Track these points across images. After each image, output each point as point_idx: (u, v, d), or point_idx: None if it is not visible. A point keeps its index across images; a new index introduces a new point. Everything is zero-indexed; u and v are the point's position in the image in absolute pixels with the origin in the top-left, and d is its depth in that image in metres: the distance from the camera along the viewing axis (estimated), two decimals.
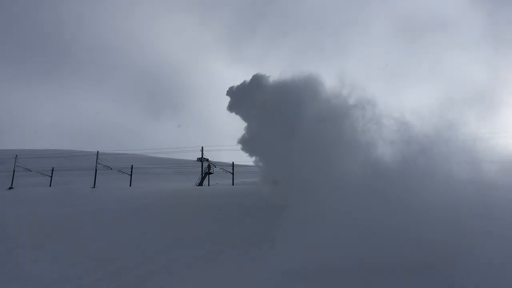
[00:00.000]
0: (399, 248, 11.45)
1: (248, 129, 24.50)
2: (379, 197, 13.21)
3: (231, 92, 27.48)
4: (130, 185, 38.23)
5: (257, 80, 25.52)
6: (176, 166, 47.83)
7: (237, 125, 25.45)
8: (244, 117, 25.44)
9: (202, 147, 42.39)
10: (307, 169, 16.65)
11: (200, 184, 40.42)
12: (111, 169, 42.36)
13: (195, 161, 47.67)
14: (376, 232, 12.19)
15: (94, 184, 38.51)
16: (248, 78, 27.20)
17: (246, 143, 24.27)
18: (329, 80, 20.78)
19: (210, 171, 42.10)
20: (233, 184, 37.29)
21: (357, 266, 11.73)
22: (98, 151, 43.63)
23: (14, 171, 43.23)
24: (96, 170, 40.98)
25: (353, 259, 11.87)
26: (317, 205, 14.38)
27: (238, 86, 27.10)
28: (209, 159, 43.64)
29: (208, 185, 39.80)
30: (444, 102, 16.53)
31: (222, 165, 43.06)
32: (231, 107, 27.08)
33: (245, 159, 30.51)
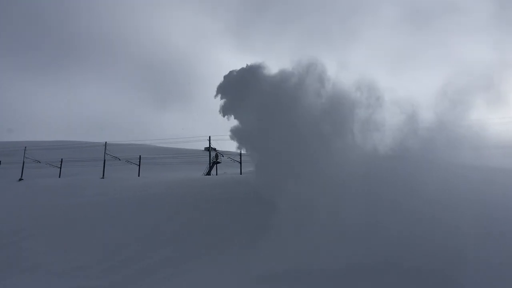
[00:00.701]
0: (396, 251, 11.14)
1: (240, 120, 22.10)
2: (376, 199, 12.87)
3: (222, 89, 23.75)
4: (139, 175, 38.37)
5: (252, 70, 22.81)
6: (184, 156, 47.86)
7: None
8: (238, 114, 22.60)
9: (209, 137, 42.42)
10: (303, 165, 16.07)
11: (208, 173, 40.47)
12: (119, 159, 42.51)
13: (202, 150, 47.72)
14: (370, 234, 11.90)
15: (103, 175, 38.69)
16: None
17: (238, 134, 21.96)
18: (334, 68, 20.14)
19: (217, 160, 42.12)
20: (241, 173, 37.28)
21: (351, 269, 11.47)
22: (106, 142, 43.78)
23: (23, 162, 43.51)
24: (104, 160, 41.10)
25: (346, 261, 11.62)
26: (311, 204, 14.10)
27: (230, 80, 23.68)
28: (217, 149, 43.65)
29: (216, 175, 39.85)
30: (450, 88, 16.17)
31: (230, 154, 43.00)
32: (226, 110, 23.15)
33: None
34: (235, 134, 22.24)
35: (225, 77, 24.27)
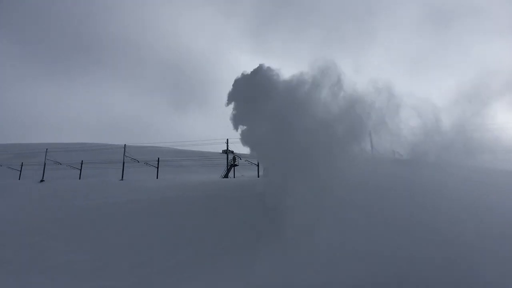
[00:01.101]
0: (407, 266, 10.70)
1: (251, 126, 21.38)
2: (387, 208, 12.49)
3: (233, 97, 23.06)
4: (157, 178, 38.67)
5: (264, 74, 22.14)
6: (202, 159, 48.09)
7: None
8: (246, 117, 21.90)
9: (227, 139, 42.52)
10: (314, 170, 15.59)
11: (226, 176, 40.58)
12: (138, 161, 42.90)
13: (220, 153, 47.90)
14: (378, 243, 11.55)
15: (122, 177, 39.11)
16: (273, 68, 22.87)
17: (248, 139, 21.44)
18: (351, 70, 19.69)
19: (235, 163, 42.19)
20: (258, 176, 37.29)
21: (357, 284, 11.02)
22: (125, 144, 44.31)
23: (45, 164, 44.21)
24: (123, 163, 41.53)
25: (352, 275, 11.18)
26: (319, 210, 13.78)
27: (241, 85, 22.93)
28: (234, 151, 43.71)
29: (234, 177, 39.93)
30: (469, 91, 15.84)
31: (247, 157, 42.99)
32: (236, 121, 22.38)
33: None
34: (245, 138, 21.85)
35: (236, 81, 23.81)
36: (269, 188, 17.88)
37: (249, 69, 23.56)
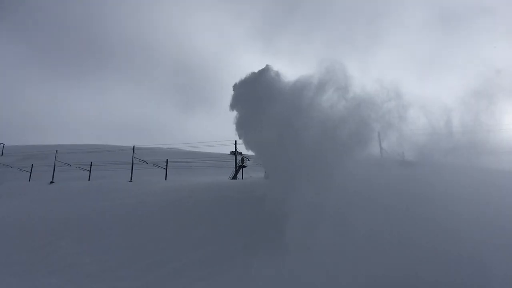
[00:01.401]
0: (417, 267, 10.29)
1: (254, 127, 20.68)
2: (393, 209, 12.18)
3: (237, 101, 23.01)
4: (165, 179, 38.80)
5: (267, 77, 22.02)
6: (210, 160, 48.20)
7: None
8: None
9: (235, 141, 42.47)
10: (317, 172, 15.09)
11: (234, 177, 40.64)
12: (147, 163, 43.06)
13: (228, 154, 48.03)
14: (384, 248, 11.02)
15: (131, 178, 39.28)
16: (281, 71, 22.74)
17: (251, 143, 21.52)
18: (358, 71, 19.42)
19: (243, 164, 42.24)
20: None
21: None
22: (134, 146, 44.53)
23: (54, 165, 44.49)
24: (132, 164, 41.67)
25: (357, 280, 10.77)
26: (323, 211, 13.61)
27: (244, 86, 22.80)
28: (243, 153, 43.74)
29: (242, 178, 39.98)
30: (476, 91, 15.60)
31: (255, 158, 42.92)
32: (240, 127, 22.27)
33: None
34: (248, 143, 21.86)
35: (240, 83, 23.75)
36: (271, 191, 17.82)
37: (256, 70, 23.44)
